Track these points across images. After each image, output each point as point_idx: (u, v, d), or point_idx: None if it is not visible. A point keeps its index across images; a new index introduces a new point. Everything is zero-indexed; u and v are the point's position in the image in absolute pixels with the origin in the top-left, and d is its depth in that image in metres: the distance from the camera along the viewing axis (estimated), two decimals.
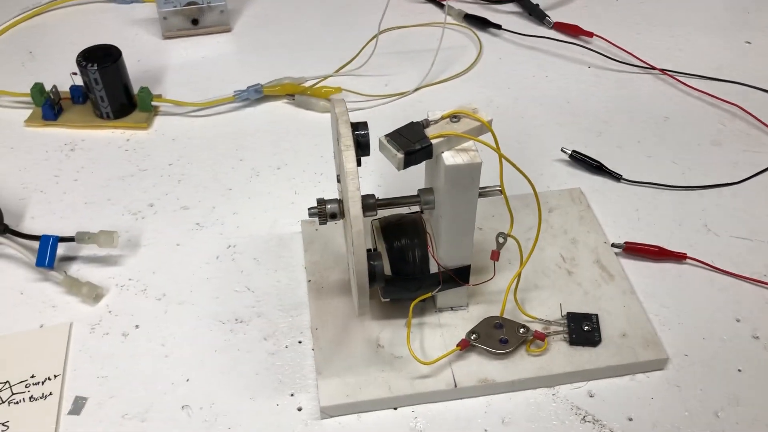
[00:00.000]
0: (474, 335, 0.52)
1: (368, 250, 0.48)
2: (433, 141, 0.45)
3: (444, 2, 0.89)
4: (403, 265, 0.51)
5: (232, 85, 0.77)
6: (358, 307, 0.47)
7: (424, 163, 0.47)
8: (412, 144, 0.44)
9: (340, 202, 0.49)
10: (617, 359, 0.52)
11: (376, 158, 0.48)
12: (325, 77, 0.79)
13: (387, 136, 0.45)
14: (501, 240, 0.50)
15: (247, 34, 0.88)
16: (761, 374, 0.52)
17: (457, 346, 0.51)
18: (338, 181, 0.51)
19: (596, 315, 0.54)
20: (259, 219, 0.64)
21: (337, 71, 0.80)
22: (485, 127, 0.46)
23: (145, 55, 0.84)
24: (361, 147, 0.46)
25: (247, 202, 0.66)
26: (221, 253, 0.61)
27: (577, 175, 0.68)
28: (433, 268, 0.51)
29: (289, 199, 0.66)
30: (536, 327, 0.53)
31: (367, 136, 0.46)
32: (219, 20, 0.87)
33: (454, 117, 0.46)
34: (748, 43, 0.85)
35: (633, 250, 0.60)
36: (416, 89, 0.78)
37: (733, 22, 0.88)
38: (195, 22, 0.85)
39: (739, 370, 0.52)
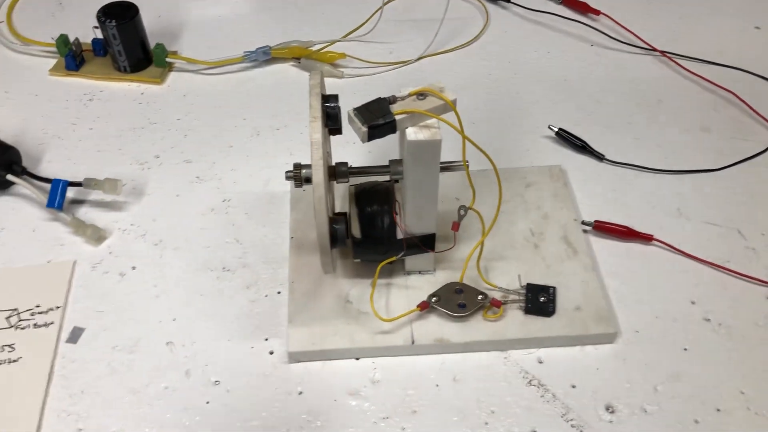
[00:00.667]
0: (435, 298, 0.56)
1: (336, 214, 0.52)
2: (397, 117, 0.48)
3: None
4: (372, 229, 0.55)
5: (244, 46, 0.81)
6: (322, 265, 0.51)
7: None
8: (377, 119, 0.48)
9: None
10: (568, 330, 0.55)
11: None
12: (332, 42, 0.82)
13: (355, 109, 0.48)
14: (462, 212, 0.53)
15: None
16: (705, 354, 0.55)
17: (418, 306, 0.55)
18: None
19: (554, 288, 0.57)
20: (255, 177, 0.69)
21: (344, 37, 0.83)
22: (449, 106, 0.49)
23: (166, 10, 0.89)
24: (331, 118, 0.49)
25: (245, 159, 0.71)
26: (216, 206, 0.66)
27: (562, 153, 0.71)
28: (402, 235, 0.55)
29: (284, 160, 0.70)
30: (495, 295, 0.57)
31: (336, 108, 0.49)
32: None
33: (421, 95, 0.49)
34: (758, 28, 0.85)
35: (602, 229, 0.63)
36: (419, 58, 0.81)
37: (745, 5, 0.88)
38: None
39: (685, 349, 0.55)
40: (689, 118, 0.74)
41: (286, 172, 0.53)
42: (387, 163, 0.54)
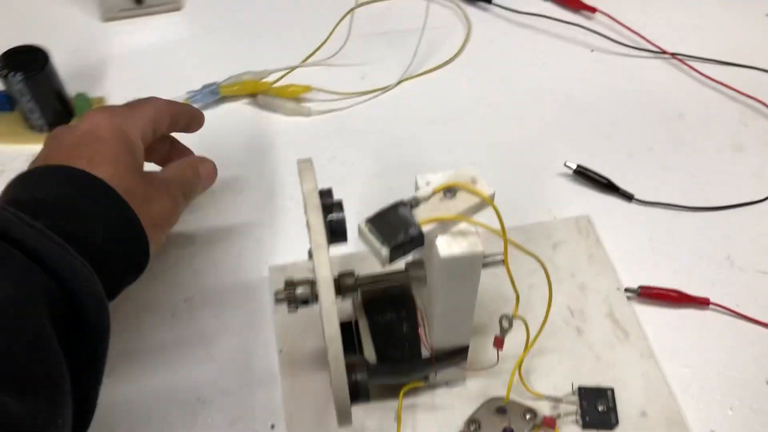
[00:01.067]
0: (473, 425, 0.45)
1: (344, 330, 0.40)
2: (425, 228, 0.36)
3: None
4: (390, 348, 0.43)
5: (185, 82, 0.66)
6: (338, 418, 0.39)
7: None
8: (398, 233, 0.35)
9: (312, 283, 0.41)
10: None
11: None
12: (292, 69, 0.68)
13: (368, 222, 0.36)
14: (505, 325, 0.42)
15: (201, 13, 0.76)
16: None
17: None
18: (309, 255, 0.42)
19: (612, 390, 0.47)
20: (220, 261, 0.55)
21: (305, 61, 0.69)
22: (486, 203, 0.37)
23: (83, 42, 0.72)
24: (336, 234, 0.37)
25: (203, 237, 0.57)
26: (176, 308, 0.53)
27: (584, 194, 0.60)
28: (427, 351, 0.44)
29: (255, 235, 0.57)
30: (544, 408, 0.46)
31: (342, 221, 0.37)
32: None
33: (449, 191, 0.37)
34: None
35: (649, 296, 0.53)
36: (399, 83, 0.68)
37: None
38: (139, 0, 0.73)
39: None
40: (717, 134, 0.64)
41: (275, 293, 0.41)
42: (403, 267, 0.42)
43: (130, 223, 0.41)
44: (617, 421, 0.46)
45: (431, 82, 0.69)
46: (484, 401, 0.46)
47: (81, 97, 0.63)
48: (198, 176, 0.50)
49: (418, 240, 0.36)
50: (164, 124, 0.50)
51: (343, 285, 0.41)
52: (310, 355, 0.49)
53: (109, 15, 0.74)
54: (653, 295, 0.52)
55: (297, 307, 0.41)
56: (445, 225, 0.36)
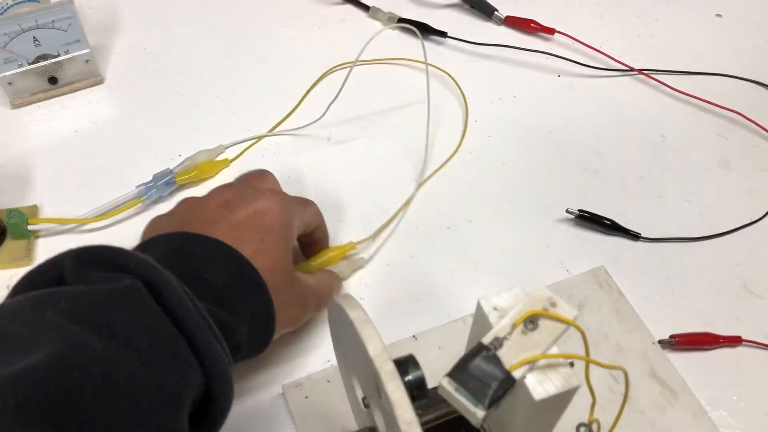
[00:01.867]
0: None
1: None
2: (516, 373, 0.32)
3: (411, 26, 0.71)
4: None
5: (128, 170, 0.58)
6: None
7: None
8: (489, 387, 0.31)
9: (371, 430, 0.36)
10: None
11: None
12: (258, 139, 0.61)
13: (450, 377, 0.31)
14: None
15: (128, 85, 0.67)
16: None
17: None
18: (365, 405, 0.37)
19: None
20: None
21: (272, 130, 0.62)
22: (574, 327, 0.33)
23: None
24: (417, 397, 0.32)
25: None
26: None
27: (588, 239, 0.57)
28: None
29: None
30: None
31: (423, 383, 0.32)
32: (85, 72, 0.65)
33: (530, 321, 0.33)
34: (719, 16, 0.75)
35: (683, 344, 0.51)
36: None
37: None
38: (53, 80, 0.64)
39: None
40: (702, 153, 0.63)
41: None
42: None
43: (269, 322, 0.42)
44: None
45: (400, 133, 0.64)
46: None
47: (13, 213, 0.54)
48: (334, 293, 0.51)
49: (510, 388, 0.31)
50: (312, 227, 0.50)
51: None
52: None
53: (20, 101, 0.64)
54: (687, 342, 0.51)
55: None
56: (536, 362, 0.32)
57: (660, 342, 0.51)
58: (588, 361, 0.33)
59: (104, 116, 0.64)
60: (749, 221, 0.58)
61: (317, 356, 0.50)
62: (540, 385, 0.32)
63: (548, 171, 0.61)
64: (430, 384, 0.33)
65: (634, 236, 0.57)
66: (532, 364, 0.33)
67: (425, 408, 0.39)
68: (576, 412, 0.37)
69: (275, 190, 0.47)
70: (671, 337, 0.51)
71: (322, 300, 0.49)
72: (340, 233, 0.56)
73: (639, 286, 0.54)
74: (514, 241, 0.57)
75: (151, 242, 0.40)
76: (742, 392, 0.49)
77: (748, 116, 0.65)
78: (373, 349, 0.31)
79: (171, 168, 0.58)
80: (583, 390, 0.36)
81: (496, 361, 0.32)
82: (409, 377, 0.32)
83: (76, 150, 0.61)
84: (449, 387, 0.31)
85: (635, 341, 0.50)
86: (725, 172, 0.62)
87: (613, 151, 0.63)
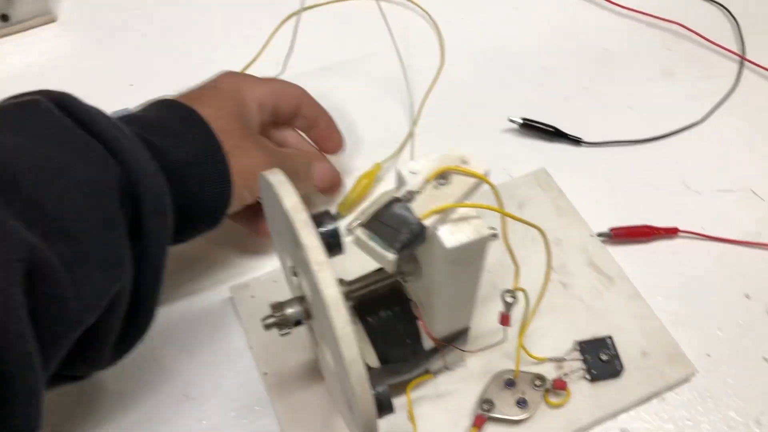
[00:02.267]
0: (486, 405, 0.43)
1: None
2: (427, 221, 0.33)
3: None
4: (391, 348, 0.41)
5: None
6: None
7: None
8: (401, 233, 0.33)
9: (300, 299, 0.37)
10: (646, 387, 0.45)
11: None
12: None
13: (363, 227, 0.33)
14: (509, 300, 0.40)
15: (80, 20, 0.68)
16: None
17: (474, 426, 0.42)
18: (293, 274, 0.38)
19: (610, 337, 0.47)
20: (173, 291, 0.50)
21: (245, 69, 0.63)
22: (484, 182, 0.35)
23: None
24: (332, 248, 0.34)
25: None
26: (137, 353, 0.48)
27: (532, 146, 0.59)
28: (429, 342, 0.41)
29: (204, 254, 0.52)
30: (548, 370, 0.45)
31: (336, 233, 0.33)
32: (37, 9, 0.66)
33: (442, 177, 0.35)
34: None
35: (621, 236, 0.52)
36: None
37: None
38: (5, 18, 0.65)
39: (765, 359, 0.47)
40: (645, 63, 0.65)
41: (263, 318, 0.37)
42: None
43: (215, 153, 0.42)
44: (622, 367, 0.45)
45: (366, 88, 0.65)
46: (492, 378, 0.44)
47: None
48: (307, 173, 0.50)
49: (421, 236, 0.33)
50: (288, 106, 0.50)
51: None
52: (297, 372, 0.46)
53: None
54: (625, 234, 0.52)
55: (290, 330, 0.37)
56: (446, 213, 0.34)
57: (599, 235, 0.52)
58: (501, 213, 0.34)
59: (57, 53, 0.65)
60: (690, 123, 0.60)
61: (266, 261, 0.51)
62: (451, 235, 0.34)
63: (496, 84, 0.63)
64: None
65: (576, 141, 0.58)
66: (444, 217, 0.34)
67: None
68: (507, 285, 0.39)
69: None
70: (610, 230, 0.52)
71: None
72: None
73: (580, 186, 0.55)
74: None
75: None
76: (678, 280, 0.51)
77: (692, 28, 0.66)
78: (289, 202, 0.33)
79: (129, 108, 0.59)
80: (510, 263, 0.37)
81: (408, 211, 0.33)
82: (324, 228, 0.33)
83: (29, 88, 0.62)
84: (363, 235, 0.33)
85: (574, 235, 0.52)
86: (668, 81, 0.63)
87: (559, 64, 0.64)
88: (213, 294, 0.50)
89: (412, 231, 0.32)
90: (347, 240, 0.34)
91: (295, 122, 0.52)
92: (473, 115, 0.61)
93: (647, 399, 0.45)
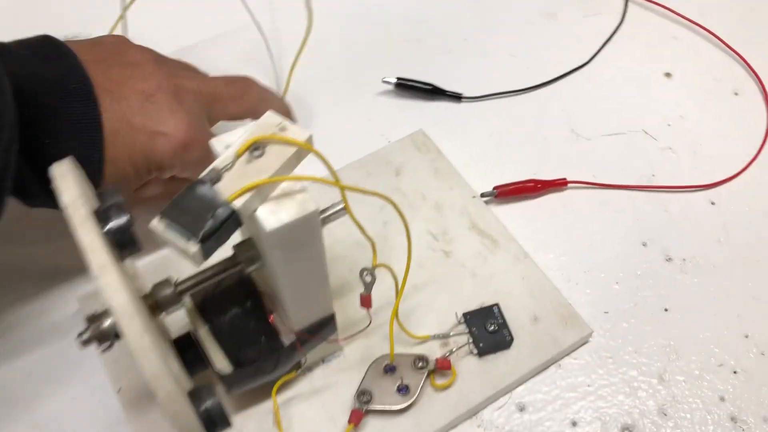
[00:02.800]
0: (365, 396, 0.39)
1: (191, 393, 0.32)
2: (237, 203, 0.28)
3: None
4: (244, 348, 0.36)
5: None
6: None
7: None
8: (204, 219, 0.28)
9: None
10: (539, 356, 0.41)
11: None
12: None
13: (162, 216, 0.28)
14: (367, 279, 0.35)
15: None
16: (688, 307, 0.44)
17: (350, 422, 0.38)
18: None
19: (497, 305, 0.43)
20: (18, 307, 0.45)
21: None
22: (306, 149, 0.30)
23: None
24: (124, 245, 0.28)
25: None
26: None
27: (411, 107, 0.54)
28: (288, 337, 0.37)
29: (51, 263, 0.47)
30: (434, 348, 0.41)
31: (125, 227, 0.28)
32: None
33: (255, 149, 0.30)
34: None
35: (507, 194, 0.49)
36: None
37: None
38: None
39: (666, 310, 0.44)
40: (524, 7, 0.61)
41: (78, 336, 0.32)
42: (229, 252, 0.35)
43: (79, 80, 0.38)
44: (512, 337, 0.42)
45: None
46: (368, 366, 0.40)
47: None
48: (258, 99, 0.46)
49: (232, 220, 0.28)
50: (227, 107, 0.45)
51: (160, 300, 0.32)
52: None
53: None
54: (510, 192, 0.49)
55: (112, 344, 0.32)
56: (263, 191, 0.29)
57: (482, 195, 0.48)
58: (340, 187, 0.30)
59: None
60: (576, 66, 0.56)
61: None
62: (272, 215, 0.29)
63: (370, 46, 0.58)
64: None
65: (456, 97, 0.54)
66: (264, 195, 0.29)
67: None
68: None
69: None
70: (494, 189, 0.48)
71: (219, 99, 0.44)
72: None
73: (461, 145, 0.51)
74: (333, 117, 0.53)
75: None
76: (569, 235, 0.48)
77: None
78: (67, 197, 0.27)
79: None
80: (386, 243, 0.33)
81: (212, 193, 0.28)
82: (112, 224, 0.28)
83: None
84: (159, 226, 0.28)
85: (455, 197, 0.48)
86: (550, 23, 0.60)
87: (435, 18, 0.60)
88: (60, 307, 0.45)
89: (216, 216, 0.28)
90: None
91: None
92: (347, 79, 0.56)
93: (542, 368, 0.42)
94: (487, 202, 0.48)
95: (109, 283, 0.25)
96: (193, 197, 0.28)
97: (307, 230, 0.30)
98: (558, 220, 0.48)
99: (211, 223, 0.27)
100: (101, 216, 0.28)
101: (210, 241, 0.28)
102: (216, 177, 0.29)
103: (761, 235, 0.48)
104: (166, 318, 0.35)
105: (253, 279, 0.36)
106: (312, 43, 0.53)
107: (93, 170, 0.38)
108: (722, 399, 0.41)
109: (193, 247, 0.27)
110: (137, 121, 0.38)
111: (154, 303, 0.32)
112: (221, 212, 0.28)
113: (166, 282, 0.33)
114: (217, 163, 0.29)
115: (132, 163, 0.39)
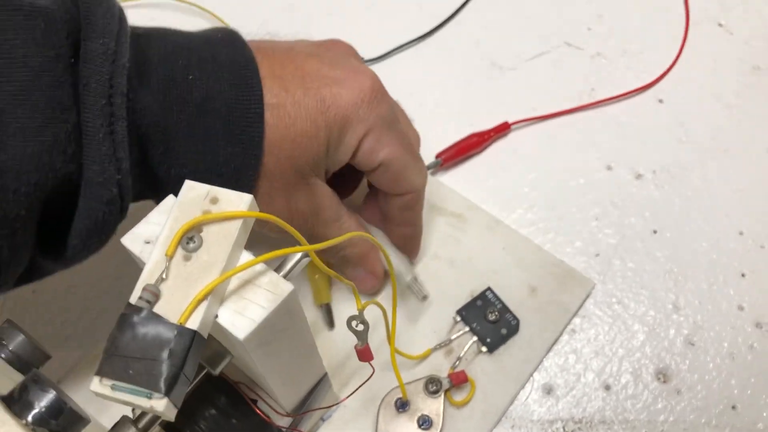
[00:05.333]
0: None
1: None
2: (191, 323, 0.21)
3: None
4: None
5: None
6: None
7: None
8: (160, 362, 0.20)
9: None
10: (552, 329, 0.37)
11: None
12: None
13: (102, 376, 0.20)
14: (359, 327, 0.29)
15: None
16: (675, 222, 0.41)
17: None
18: None
19: (489, 289, 0.38)
20: None
21: None
22: (249, 218, 0.23)
23: None
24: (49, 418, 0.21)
25: None
26: None
27: None
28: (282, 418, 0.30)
29: None
30: (439, 362, 0.36)
31: (61, 408, 0.21)
32: None
33: (189, 239, 0.22)
34: None
35: (451, 158, 0.43)
36: None
37: None
38: None
39: (655, 232, 0.41)
40: None
41: None
42: None
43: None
44: (517, 319, 0.37)
45: None
46: (378, 410, 0.34)
47: None
48: (344, 265, 0.35)
49: (194, 347, 0.21)
50: (395, 188, 0.34)
51: None
52: None
53: None
54: (455, 154, 0.43)
55: None
56: (218, 292, 0.22)
57: (427, 168, 0.42)
58: (309, 249, 0.23)
59: None
60: None
61: None
62: (240, 317, 0.22)
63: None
64: None
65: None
66: (218, 296, 0.22)
67: None
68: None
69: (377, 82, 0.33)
70: (437, 157, 0.43)
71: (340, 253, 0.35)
72: None
73: None
74: None
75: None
76: (529, 182, 0.43)
77: None
78: None
79: None
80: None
81: (157, 321, 0.21)
82: (36, 410, 0.20)
83: None
84: (102, 390, 0.20)
85: None
86: None
87: None
88: None
89: (173, 353, 0.20)
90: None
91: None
92: None
93: (557, 340, 0.38)
94: (433, 174, 0.43)
95: None
96: (133, 337, 0.20)
97: (286, 314, 0.24)
98: (513, 170, 0.43)
99: (169, 365, 0.20)
100: (17, 402, 0.20)
101: (177, 387, 0.20)
102: (152, 297, 0.21)
103: (718, 120, 0.45)
104: None
105: (224, 376, 0.29)
106: None
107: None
108: (741, 308, 0.38)
109: (160, 404, 0.20)
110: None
111: None
112: (177, 344, 0.21)
113: (122, 424, 0.25)
114: (145, 277, 0.22)
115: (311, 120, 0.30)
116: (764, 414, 0.35)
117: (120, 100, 0.25)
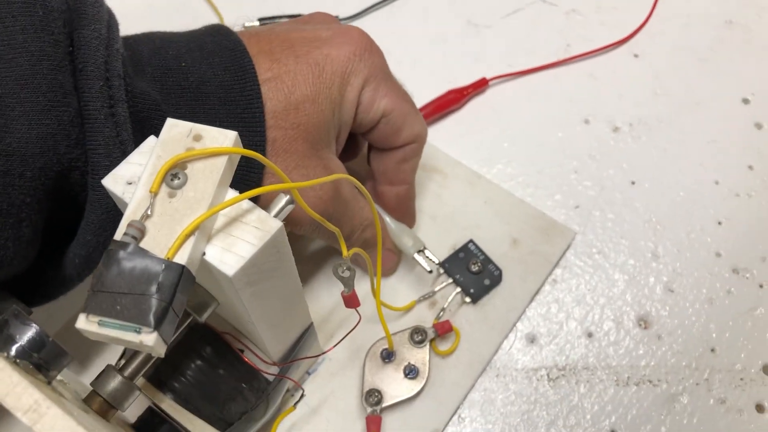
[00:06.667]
0: (373, 397, 0.33)
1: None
2: (179, 257, 0.21)
3: None
4: (224, 407, 0.29)
5: None
6: None
7: None
8: (150, 298, 0.20)
9: None
10: (534, 279, 0.37)
11: None
12: None
13: (89, 313, 0.20)
14: (346, 274, 0.29)
15: None
16: (653, 173, 0.42)
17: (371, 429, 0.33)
18: None
19: (471, 241, 0.38)
20: None
21: None
22: (234, 155, 0.23)
23: None
24: (47, 368, 0.20)
25: None
26: None
27: None
28: (271, 367, 0.30)
29: None
30: (423, 313, 0.36)
31: (43, 341, 0.20)
32: None
33: (173, 176, 0.22)
34: None
35: (430, 114, 0.43)
36: None
37: None
38: None
39: (633, 183, 0.41)
40: None
41: None
42: None
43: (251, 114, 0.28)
44: (499, 270, 0.37)
45: None
46: (364, 361, 0.34)
47: None
48: (364, 243, 0.34)
49: (183, 282, 0.21)
50: (399, 140, 0.33)
51: (109, 398, 0.25)
52: None
53: None
54: (434, 110, 0.43)
55: None
56: (205, 227, 0.22)
57: None
58: (292, 187, 0.23)
59: None
60: None
61: None
62: (228, 254, 0.22)
63: None
64: None
65: None
66: (206, 232, 0.22)
67: None
68: None
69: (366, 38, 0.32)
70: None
71: (356, 232, 0.34)
72: None
73: None
74: None
75: None
76: (507, 137, 0.43)
77: None
78: None
79: None
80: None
81: (143, 255, 0.20)
82: (18, 344, 0.20)
83: None
84: (89, 326, 0.20)
85: None
86: None
87: None
88: None
89: (162, 286, 0.20)
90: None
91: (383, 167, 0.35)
92: None
93: (539, 290, 0.38)
94: None
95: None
96: (119, 273, 0.20)
97: (275, 253, 0.23)
98: (492, 125, 0.43)
99: (158, 299, 0.20)
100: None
101: (166, 322, 0.20)
102: (137, 233, 0.21)
103: (691, 74, 0.45)
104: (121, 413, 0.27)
105: (208, 326, 0.29)
106: None
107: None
108: (718, 255, 0.39)
109: (149, 339, 0.20)
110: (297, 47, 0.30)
111: (103, 404, 0.24)
112: (166, 278, 0.20)
113: (107, 372, 0.25)
114: (129, 214, 0.21)
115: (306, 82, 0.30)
116: (742, 355, 0.36)
117: (117, 82, 0.25)
